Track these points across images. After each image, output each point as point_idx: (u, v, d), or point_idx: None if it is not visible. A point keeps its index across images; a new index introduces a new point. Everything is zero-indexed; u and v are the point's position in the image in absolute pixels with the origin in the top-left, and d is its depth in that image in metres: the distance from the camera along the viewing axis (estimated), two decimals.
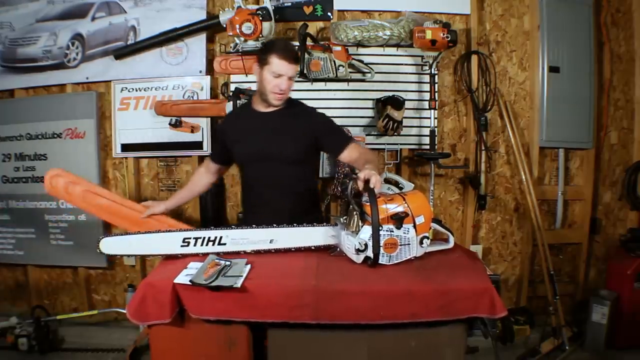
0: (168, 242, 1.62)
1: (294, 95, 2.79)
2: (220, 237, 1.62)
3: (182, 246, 1.61)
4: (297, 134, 1.95)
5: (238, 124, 2.05)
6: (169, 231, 1.67)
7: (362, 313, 1.34)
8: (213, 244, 1.62)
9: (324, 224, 1.70)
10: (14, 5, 3.06)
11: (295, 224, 1.69)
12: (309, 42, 2.70)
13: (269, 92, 1.89)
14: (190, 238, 1.61)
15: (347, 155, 1.95)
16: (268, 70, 1.86)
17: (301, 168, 2.01)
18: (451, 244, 1.68)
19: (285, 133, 1.94)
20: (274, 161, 1.95)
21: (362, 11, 2.96)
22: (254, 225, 1.66)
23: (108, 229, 3.10)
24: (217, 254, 1.60)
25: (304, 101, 2.10)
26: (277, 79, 1.86)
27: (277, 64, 1.84)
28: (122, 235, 1.68)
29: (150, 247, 1.65)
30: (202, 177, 2.20)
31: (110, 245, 1.63)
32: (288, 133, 1.94)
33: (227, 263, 1.49)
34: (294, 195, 1.99)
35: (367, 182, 1.53)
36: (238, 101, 2.73)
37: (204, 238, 1.62)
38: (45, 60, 2.99)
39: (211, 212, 2.95)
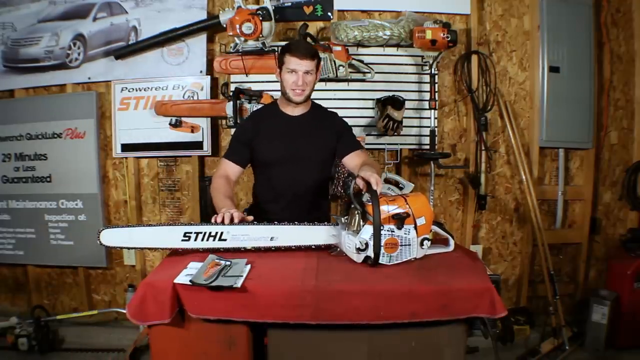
0: (169, 236, 1.62)
1: None
2: (221, 233, 1.62)
3: (182, 240, 1.61)
4: (325, 138, 2.03)
5: (264, 124, 2.06)
6: (170, 225, 1.68)
7: (362, 313, 1.34)
8: (214, 239, 1.62)
9: (325, 223, 1.70)
10: (16, 6, 3.05)
11: (296, 222, 1.69)
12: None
13: (288, 90, 1.97)
14: (191, 232, 1.61)
15: (352, 159, 2.01)
16: (285, 70, 1.95)
17: (325, 171, 2.10)
18: (451, 248, 1.68)
19: (314, 137, 2.01)
20: (302, 164, 2.01)
21: (362, 11, 2.96)
22: (255, 222, 1.67)
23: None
24: (217, 250, 1.60)
25: None
26: (292, 76, 1.93)
27: (289, 60, 1.93)
28: (123, 227, 1.67)
29: (151, 241, 1.64)
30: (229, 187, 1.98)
31: (111, 237, 1.62)
32: (317, 137, 2.02)
33: (227, 263, 1.49)
34: (312, 196, 2.05)
35: (369, 183, 1.54)
36: (238, 101, 2.74)
37: (205, 233, 1.62)
38: (47, 60, 2.99)
39: (211, 210, 2.94)
